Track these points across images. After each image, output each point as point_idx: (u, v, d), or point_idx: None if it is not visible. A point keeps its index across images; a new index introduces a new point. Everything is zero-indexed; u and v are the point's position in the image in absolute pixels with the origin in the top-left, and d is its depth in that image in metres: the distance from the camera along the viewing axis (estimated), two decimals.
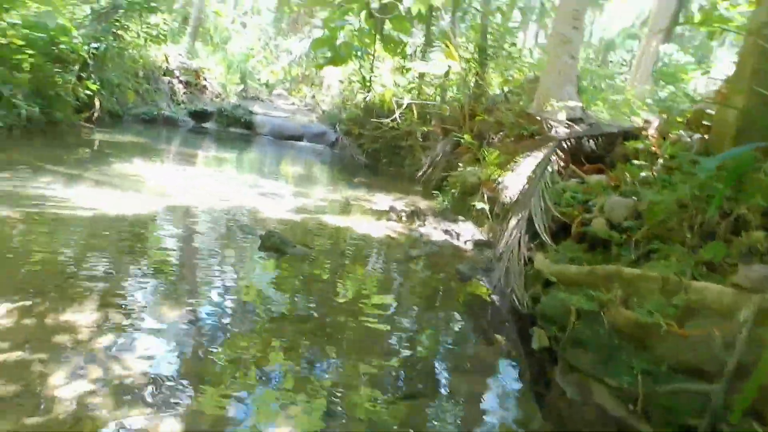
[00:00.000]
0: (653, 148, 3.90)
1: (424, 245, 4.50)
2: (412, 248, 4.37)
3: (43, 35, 6.73)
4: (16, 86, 6.21)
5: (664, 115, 4.44)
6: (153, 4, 9.17)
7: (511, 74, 8.63)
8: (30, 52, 6.30)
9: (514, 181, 5.32)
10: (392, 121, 7.23)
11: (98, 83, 8.24)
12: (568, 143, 4.78)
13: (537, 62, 8.97)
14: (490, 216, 5.08)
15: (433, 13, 10.44)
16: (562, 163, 4.70)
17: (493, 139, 7.19)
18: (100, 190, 4.53)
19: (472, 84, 8.12)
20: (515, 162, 5.58)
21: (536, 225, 4.07)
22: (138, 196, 4.56)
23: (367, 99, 7.67)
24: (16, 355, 1.91)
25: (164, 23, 10.78)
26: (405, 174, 9.48)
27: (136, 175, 5.39)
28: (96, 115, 8.42)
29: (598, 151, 4.76)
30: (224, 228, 4.24)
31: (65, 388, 1.77)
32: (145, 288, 2.81)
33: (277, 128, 11.97)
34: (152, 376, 1.97)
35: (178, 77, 11.45)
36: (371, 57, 10.98)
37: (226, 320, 2.60)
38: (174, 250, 3.59)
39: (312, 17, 19.03)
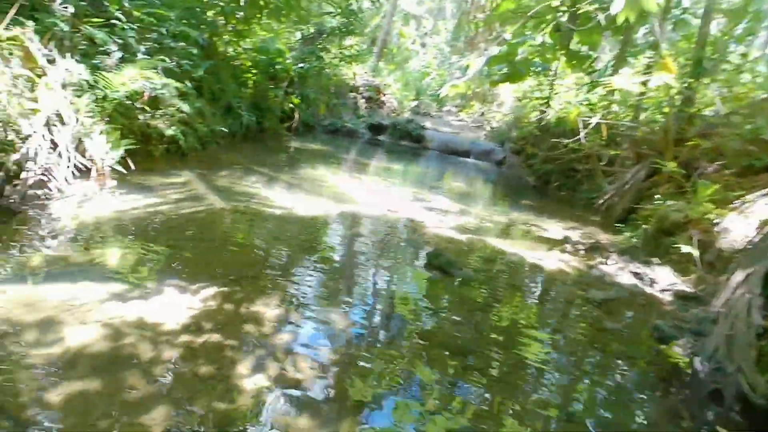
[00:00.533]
0: None
1: (608, 287, 3.84)
2: (593, 288, 3.76)
3: (264, 57, 8.01)
4: (243, 100, 7.48)
5: None
6: (351, 28, 10.15)
7: (736, 91, 7.04)
8: (254, 71, 7.54)
9: (739, 224, 4.22)
10: (575, 141, 6.50)
11: (299, 98, 9.46)
12: None
13: None
14: (700, 264, 4.10)
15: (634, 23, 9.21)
16: None
17: (706, 169, 5.90)
18: (290, 191, 5.08)
19: (678, 102, 6.85)
20: (744, 201, 4.45)
21: None
22: (319, 200, 4.97)
23: (548, 117, 7.09)
24: (215, 338, 2.13)
25: (357, 45, 11.88)
26: (578, 200, 8.51)
27: (320, 179, 5.93)
28: (295, 125, 9.69)
29: None
30: (394, 239, 4.31)
31: (249, 379, 1.89)
32: (317, 287, 2.97)
33: (445, 143, 12.08)
34: (318, 376, 2.02)
35: (362, 93, 12.48)
36: (552, 73, 10.26)
37: (383, 332, 2.57)
38: (346, 255, 3.75)
39: (491, 35, 18.90)
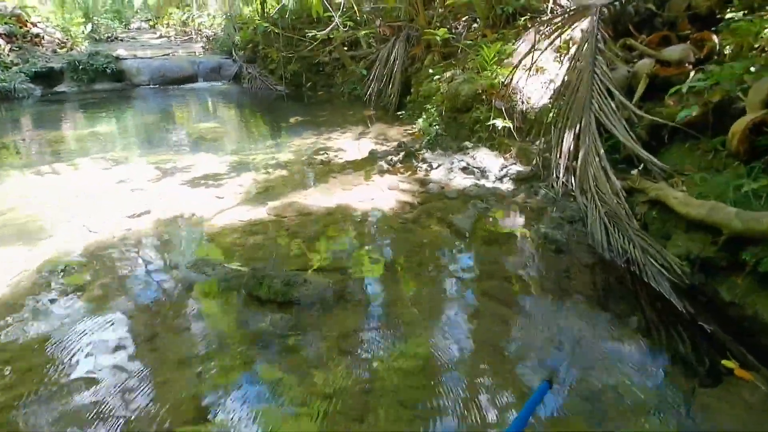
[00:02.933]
0: None
1: (460, 207, 3.14)
2: (452, 216, 3.00)
3: None
4: None
5: None
6: None
7: None
8: None
9: (531, 82, 3.97)
10: (331, 30, 5.29)
11: None
12: (609, 9, 3.42)
13: None
14: (516, 135, 3.78)
15: None
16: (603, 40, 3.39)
17: (456, 28, 5.63)
18: None
19: None
20: (511, 54, 4.19)
21: (620, 137, 2.86)
22: None
23: (288, 4, 5.56)
24: None
25: None
26: (341, 97, 7.70)
27: None
28: None
29: (643, 14, 3.48)
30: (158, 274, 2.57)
31: None
32: None
33: (159, 72, 9.26)
34: None
35: None
36: None
37: None
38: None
39: None
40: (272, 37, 8.00)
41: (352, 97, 7.53)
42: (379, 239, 2.73)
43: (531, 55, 3.86)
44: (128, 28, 15.73)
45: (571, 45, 3.99)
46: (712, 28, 3.05)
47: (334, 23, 4.99)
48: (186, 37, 13.16)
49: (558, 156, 3.21)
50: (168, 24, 14.65)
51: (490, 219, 2.92)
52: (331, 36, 5.55)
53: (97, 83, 8.56)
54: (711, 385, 1.68)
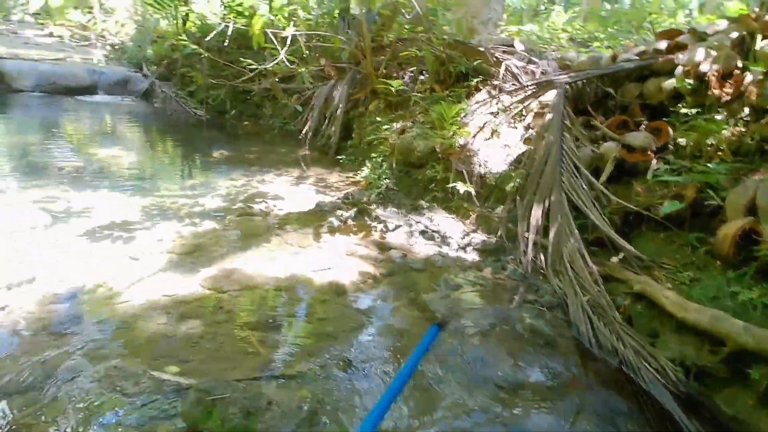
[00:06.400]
0: (715, 90, 2.86)
1: (427, 282, 2.82)
2: (426, 295, 2.66)
3: None
4: None
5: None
6: None
7: None
8: None
9: (491, 146, 3.90)
10: (275, 63, 4.81)
11: None
12: (571, 86, 3.47)
13: None
14: (477, 201, 3.62)
15: None
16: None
17: (402, 77, 5.50)
18: None
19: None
20: (466, 114, 4.12)
21: (594, 219, 2.80)
22: None
23: (225, 28, 4.93)
24: None
25: None
26: (271, 130, 7.17)
27: None
28: None
29: (600, 95, 3.59)
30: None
31: None
32: None
33: (49, 79, 7.91)
34: None
35: None
36: None
37: None
38: None
39: None
40: (194, 57, 7.24)
41: (283, 132, 7.03)
42: (348, 329, 2.28)
43: (487, 119, 3.79)
44: (7, 20, 13.52)
45: (524, 113, 4.01)
46: (663, 119, 3.20)
47: (278, 58, 4.54)
48: (85, 42, 11.59)
49: (525, 229, 3.08)
50: (62, 24, 12.85)
51: (465, 301, 2.64)
52: (269, 68, 5.09)
53: None
54: None
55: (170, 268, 2.66)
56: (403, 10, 5.02)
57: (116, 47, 10.54)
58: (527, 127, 3.83)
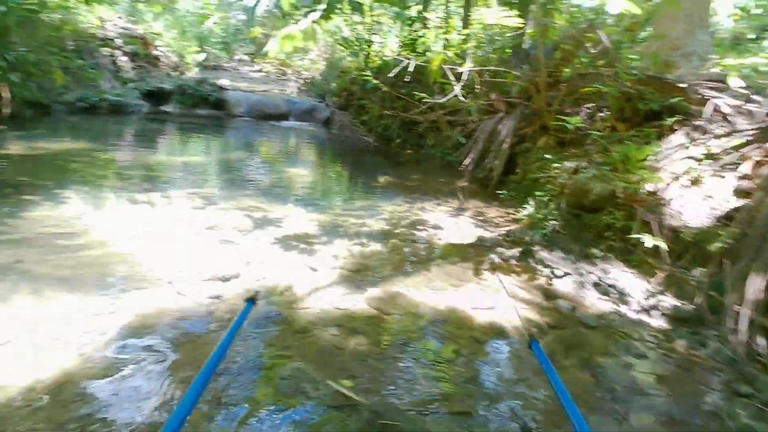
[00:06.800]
0: None
1: (622, 348, 2.51)
2: (605, 359, 2.40)
3: None
4: None
5: None
6: None
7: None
8: None
9: (690, 195, 3.37)
10: (450, 97, 5.01)
11: (5, 62, 5.69)
12: None
13: None
14: (668, 259, 3.14)
15: None
16: None
17: (577, 114, 5.17)
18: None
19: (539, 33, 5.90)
20: (657, 157, 3.63)
21: None
22: (77, 313, 2.34)
23: (406, 65, 5.36)
24: None
25: None
26: (430, 159, 7.40)
27: (70, 235, 3.07)
28: (4, 110, 5.93)
29: None
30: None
31: None
32: None
33: (256, 107, 9.53)
34: None
35: (120, 47, 8.71)
36: (367, 9, 8.57)
37: None
38: None
39: None
40: (371, 90, 7.96)
41: (444, 162, 7.20)
42: (509, 379, 2.15)
43: (685, 164, 3.29)
44: (231, 59, 16.80)
45: (739, 160, 3.38)
46: None
47: (453, 92, 4.70)
48: (284, 77, 13.75)
49: (736, 302, 2.54)
50: (269, 62, 15.45)
51: (650, 376, 2.28)
52: (443, 102, 5.31)
53: (199, 108, 8.89)
54: None
55: (341, 282, 2.89)
56: (588, 44, 4.74)
57: (307, 81, 12.23)
58: (742, 177, 3.21)
